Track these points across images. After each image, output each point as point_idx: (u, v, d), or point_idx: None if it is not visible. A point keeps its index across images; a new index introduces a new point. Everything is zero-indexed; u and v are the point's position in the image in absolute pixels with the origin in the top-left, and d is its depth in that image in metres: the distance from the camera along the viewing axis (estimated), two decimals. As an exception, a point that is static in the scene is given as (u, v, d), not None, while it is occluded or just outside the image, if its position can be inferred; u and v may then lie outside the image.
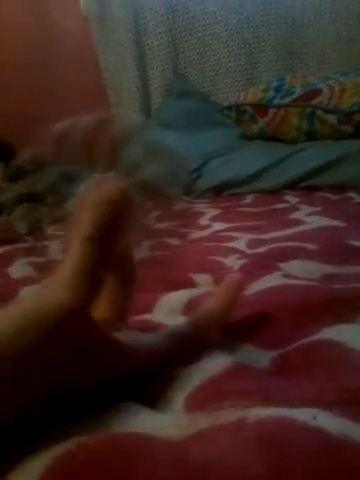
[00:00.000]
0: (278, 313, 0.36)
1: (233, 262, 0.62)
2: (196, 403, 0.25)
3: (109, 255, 0.25)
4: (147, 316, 0.40)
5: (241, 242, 0.76)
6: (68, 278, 0.24)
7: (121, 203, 0.25)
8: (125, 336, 0.28)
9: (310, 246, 0.65)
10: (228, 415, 0.23)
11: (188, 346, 0.30)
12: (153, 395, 0.27)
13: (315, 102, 1.38)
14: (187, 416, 0.24)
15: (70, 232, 0.25)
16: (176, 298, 0.44)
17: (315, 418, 0.21)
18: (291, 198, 1.20)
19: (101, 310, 0.30)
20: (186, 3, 1.82)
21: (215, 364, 0.28)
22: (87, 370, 0.25)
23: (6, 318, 0.22)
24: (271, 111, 1.47)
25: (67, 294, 0.23)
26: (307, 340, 0.31)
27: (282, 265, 0.56)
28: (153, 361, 0.29)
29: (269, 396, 0.24)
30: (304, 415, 0.22)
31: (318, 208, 1.00)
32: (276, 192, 1.31)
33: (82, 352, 0.24)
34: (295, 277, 0.49)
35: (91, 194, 0.26)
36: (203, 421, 0.23)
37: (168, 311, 0.42)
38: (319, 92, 1.39)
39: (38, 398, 0.23)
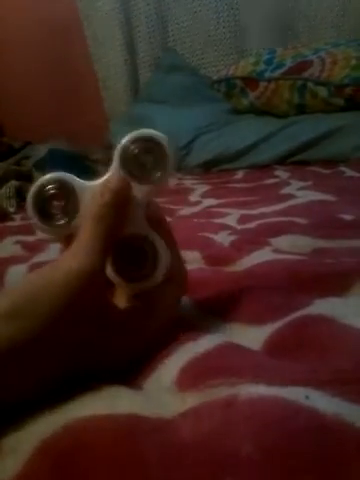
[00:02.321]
0: (267, 288, 0.35)
1: (223, 238, 0.61)
2: (187, 381, 0.25)
3: (115, 231, 0.30)
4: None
5: (232, 218, 0.75)
6: (84, 248, 0.28)
7: (119, 189, 0.30)
8: None
9: (301, 221, 0.65)
10: (219, 392, 0.23)
11: None
12: (143, 373, 0.27)
13: (306, 74, 1.35)
14: (178, 394, 0.24)
15: (84, 218, 0.30)
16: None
17: (308, 398, 0.21)
18: (282, 173, 1.19)
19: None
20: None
21: (206, 343, 0.28)
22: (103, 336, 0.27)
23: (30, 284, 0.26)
24: (262, 84, 1.45)
25: (81, 260, 0.27)
26: (298, 315, 0.31)
27: (272, 240, 0.56)
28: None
29: (260, 374, 0.24)
30: (296, 394, 0.21)
31: (309, 183, 0.99)
32: (267, 167, 1.30)
33: (98, 315, 0.27)
34: (285, 252, 0.48)
35: (96, 184, 0.31)
36: (194, 399, 0.23)
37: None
38: (310, 64, 1.36)
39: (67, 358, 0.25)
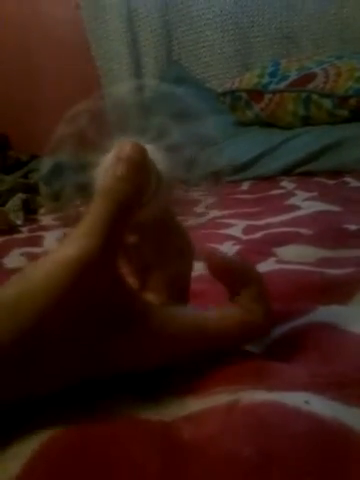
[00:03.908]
0: (271, 297, 0.36)
1: (228, 248, 0.61)
2: (188, 387, 0.25)
3: (130, 210, 0.25)
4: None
5: (237, 229, 0.76)
6: (86, 231, 0.23)
7: (136, 159, 0.25)
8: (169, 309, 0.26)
9: (305, 231, 0.65)
10: (219, 399, 0.23)
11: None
12: (143, 376, 0.27)
13: (310, 86, 1.36)
14: (178, 399, 0.24)
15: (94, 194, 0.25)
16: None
17: (307, 402, 0.21)
18: (287, 184, 1.19)
19: (158, 289, 0.29)
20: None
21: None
22: (114, 336, 0.23)
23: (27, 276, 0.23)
24: (266, 97, 1.46)
25: (82, 246, 0.23)
26: (300, 323, 0.31)
27: (277, 250, 0.56)
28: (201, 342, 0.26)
29: (261, 380, 0.24)
30: (296, 399, 0.21)
31: (314, 193, 0.99)
32: (272, 178, 1.31)
33: (108, 308, 0.23)
34: (289, 262, 0.49)
35: (111, 155, 0.26)
36: (194, 404, 0.23)
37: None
38: (314, 76, 1.37)
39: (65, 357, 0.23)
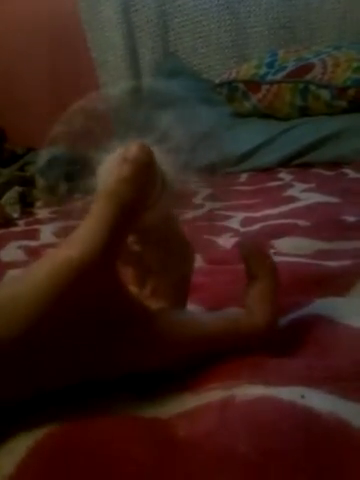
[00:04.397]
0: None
1: (226, 241, 0.61)
2: (183, 384, 0.25)
3: (134, 213, 0.24)
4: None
5: (235, 221, 0.75)
6: (87, 233, 0.23)
7: (142, 161, 0.24)
8: (170, 313, 0.26)
9: (303, 223, 0.65)
10: (214, 395, 0.23)
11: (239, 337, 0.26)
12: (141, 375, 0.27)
13: (308, 77, 1.35)
14: (174, 396, 0.24)
15: (97, 195, 0.24)
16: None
17: (303, 397, 0.21)
18: (285, 175, 1.19)
19: (160, 294, 0.29)
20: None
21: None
22: (113, 340, 0.23)
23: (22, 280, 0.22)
24: (264, 87, 1.45)
25: (79, 248, 0.22)
26: (297, 316, 0.31)
27: (275, 242, 0.56)
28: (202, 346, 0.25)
29: (257, 376, 0.24)
30: (292, 394, 0.21)
31: (312, 185, 0.99)
32: (270, 170, 1.30)
33: (107, 313, 0.23)
34: (287, 254, 0.48)
35: (115, 155, 0.25)
36: (190, 401, 0.23)
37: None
38: (312, 67, 1.36)
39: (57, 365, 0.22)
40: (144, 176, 0.24)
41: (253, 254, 0.28)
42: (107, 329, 0.23)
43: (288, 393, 0.21)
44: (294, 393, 0.21)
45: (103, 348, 0.23)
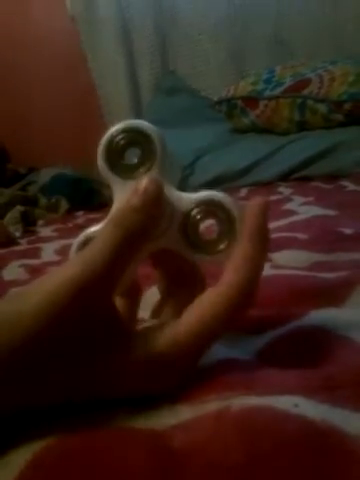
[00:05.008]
0: (265, 301, 0.36)
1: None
2: (179, 396, 0.25)
3: (138, 241, 0.25)
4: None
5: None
6: (91, 255, 0.24)
7: (153, 192, 0.26)
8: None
9: (301, 236, 0.65)
10: (210, 406, 0.23)
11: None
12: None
13: (305, 92, 1.37)
14: (170, 408, 0.24)
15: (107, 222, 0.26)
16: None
17: (297, 406, 0.21)
18: (284, 189, 1.19)
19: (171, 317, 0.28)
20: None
21: (203, 358, 0.28)
22: (100, 361, 0.24)
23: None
24: (262, 103, 1.47)
25: (82, 267, 0.23)
26: (293, 327, 0.31)
27: (272, 255, 0.56)
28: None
29: (252, 386, 0.24)
30: (285, 403, 0.21)
31: (311, 198, 0.99)
32: (270, 184, 1.31)
33: (95, 334, 0.24)
34: (284, 267, 0.49)
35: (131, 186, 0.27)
36: (186, 412, 0.23)
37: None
38: (309, 82, 1.38)
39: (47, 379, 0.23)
40: (152, 207, 0.26)
41: (249, 214, 0.27)
42: (93, 346, 0.24)
43: (282, 402, 0.21)
44: (288, 402, 0.21)
45: (88, 364, 0.24)
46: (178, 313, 0.27)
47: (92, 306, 0.23)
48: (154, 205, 0.26)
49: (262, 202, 0.28)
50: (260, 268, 0.26)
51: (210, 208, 0.28)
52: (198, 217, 0.28)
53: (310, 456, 0.18)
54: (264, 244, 0.27)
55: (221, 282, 0.26)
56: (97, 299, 0.24)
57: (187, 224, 0.28)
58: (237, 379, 0.25)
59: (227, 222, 0.27)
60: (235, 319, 0.26)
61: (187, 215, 0.28)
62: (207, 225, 0.29)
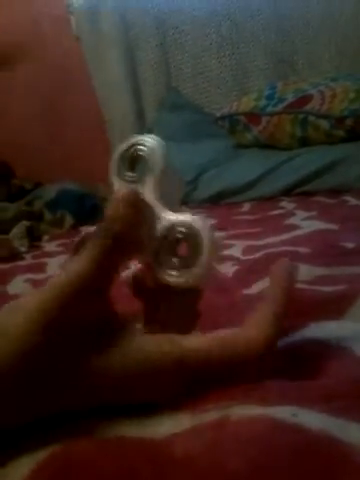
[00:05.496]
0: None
1: (227, 269, 0.62)
2: (180, 406, 0.25)
3: (121, 246, 0.27)
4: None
5: (237, 249, 0.76)
6: (80, 261, 0.26)
7: (129, 200, 0.28)
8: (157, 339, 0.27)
9: (303, 250, 0.66)
10: (210, 415, 0.23)
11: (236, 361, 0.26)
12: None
13: (307, 108, 1.39)
14: (171, 417, 0.25)
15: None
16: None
17: (295, 415, 0.22)
18: (287, 204, 1.20)
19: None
20: (175, 17, 1.84)
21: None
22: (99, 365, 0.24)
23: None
24: (264, 119, 1.48)
25: (78, 272, 0.25)
26: (292, 339, 0.31)
27: (274, 270, 0.57)
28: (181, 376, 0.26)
29: (251, 396, 0.24)
30: (284, 413, 0.22)
31: (313, 213, 1.00)
32: (273, 199, 1.32)
33: (93, 336, 0.25)
34: (286, 280, 0.49)
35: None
36: (186, 421, 0.24)
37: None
38: (310, 98, 1.40)
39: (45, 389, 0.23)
40: (130, 214, 0.28)
41: (274, 274, 0.30)
42: (86, 346, 0.25)
43: (280, 412, 0.22)
44: (286, 412, 0.22)
45: (82, 365, 0.24)
46: (175, 324, 0.29)
47: (83, 307, 0.25)
48: (131, 212, 0.28)
49: (292, 266, 0.31)
50: (282, 326, 0.28)
51: (182, 231, 0.29)
52: (170, 239, 0.29)
53: (307, 465, 0.19)
54: (287, 305, 0.29)
55: (248, 329, 0.27)
56: (88, 301, 0.25)
57: (162, 245, 0.29)
58: (237, 389, 0.26)
59: (195, 248, 0.28)
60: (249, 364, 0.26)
61: (162, 236, 0.29)
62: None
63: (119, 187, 0.31)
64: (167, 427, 0.23)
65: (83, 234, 0.32)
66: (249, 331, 0.27)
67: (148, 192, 0.30)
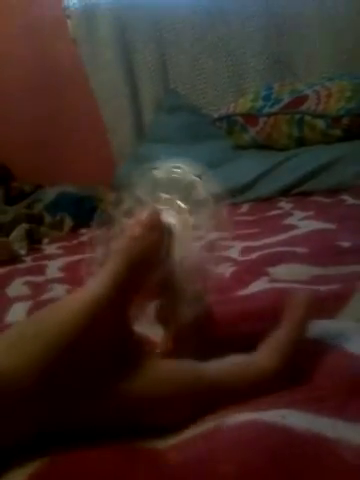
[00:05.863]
0: (260, 314, 0.37)
1: (224, 270, 0.62)
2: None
3: (141, 267, 0.28)
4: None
5: (234, 250, 0.77)
6: (101, 282, 0.26)
7: (151, 222, 0.29)
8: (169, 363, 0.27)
9: (300, 250, 0.66)
10: (207, 424, 0.24)
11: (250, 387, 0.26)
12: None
13: (303, 108, 1.40)
14: (171, 429, 0.25)
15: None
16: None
17: (284, 417, 0.22)
18: (285, 204, 1.21)
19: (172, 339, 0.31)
20: (171, 19, 1.84)
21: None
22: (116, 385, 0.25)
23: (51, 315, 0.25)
24: (261, 120, 1.49)
25: (95, 292, 0.25)
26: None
27: (271, 270, 0.57)
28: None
29: (244, 403, 0.25)
30: (274, 416, 0.22)
31: (311, 212, 1.00)
32: (271, 200, 1.32)
33: (113, 356, 0.25)
34: (282, 280, 0.50)
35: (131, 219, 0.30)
36: (184, 433, 0.24)
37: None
38: (306, 98, 1.41)
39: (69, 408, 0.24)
40: (151, 235, 0.28)
41: (289, 302, 0.31)
42: (106, 366, 0.25)
43: (271, 416, 0.22)
44: (276, 415, 0.22)
45: (101, 384, 0.25)
46: (179, 333, 0.30)
47: (103, 328, 0.25)
48: (153, 233, 0.28)
49: (311, 297, 0.31)
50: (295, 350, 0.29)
51: None
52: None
53: (293, 464, 0.19)
54: (304, 331, 0.29)
55: (261, 358, 0.27)
56: (108, 323, 0.25)
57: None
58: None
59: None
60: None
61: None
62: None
63: (134, 205, 0.31)
64: (167, 438, 0.24)
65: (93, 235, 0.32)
66: (262, 362, 0.27)
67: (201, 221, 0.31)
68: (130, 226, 0.29)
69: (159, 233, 0.29)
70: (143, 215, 0.29)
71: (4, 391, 0.22)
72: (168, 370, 0.26)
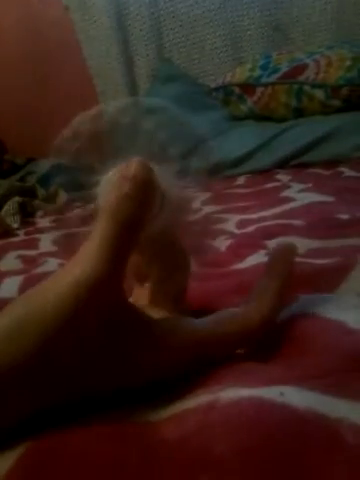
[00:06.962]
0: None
1: (220, 243, 0.61)
2: (173, 392, 0.25)
3: (136, 230, 0.24)
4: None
5: (231, 223, 0.75)
6: (92, 252, 0.23)
7: (143, 177, 0.24)
8: (170, 321, 0.27)
9: (298, 222, 0.65)
10: (200, 399, 0.23)
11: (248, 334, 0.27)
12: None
13: (301, 78, 1.36)
14: (163, 402, 0.24)
15: (98, 213, 0.24)
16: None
17: (282, 394, 0.21)
18: (283, 176, 1.19)
19: (160, 303, 0.30)
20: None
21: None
22: (121, 355, 0.23)
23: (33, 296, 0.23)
24: (259, 90, 1.45)
25: (92, 267, 0.22)
26: (283, 313, 0.31)
27: (268, 243, 0.56)
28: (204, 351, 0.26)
29: (241, 379, 0.24)
30: (271, 393, 0.21)
31: (309, 185, 0.99)
32: (268, 171, 1.30)
33: (115, 329, 0.23)
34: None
35: (115, 173, 0.25)
36: (178, 406, 0.23)
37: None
38: (305, 67, 1.37)
39: (68, 386, 0.22)
40: (144, 192, 0.24)
41: (274, 253, 0.30)
42: (112, 342, 0.23)
43: (268, 392, 0.21)
44: (273, 392, 0.21)
45: (108, 359, 0.23)
46: (165, 296, 0.30)
47: (101, 301, 0.23)
48: (146, 190, 0.24)
49: (292, 248, 0.31)
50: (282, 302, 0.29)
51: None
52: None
53: (293, 443, 0.18)
54: (288, 281, 0.30)
55: (248, 310, 0.28)
56: (106, 298, 0.23)
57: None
58: (227, 373, 0.25)
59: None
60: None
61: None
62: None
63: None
64: (160, 412, 0.23)
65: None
66: (249, 313, 0.27)
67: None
68: (118, 182, 0.24)
69: (152, 189, 0.25)
70: (132, 168, 0.24)
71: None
72: (175, 325, 0.26)
